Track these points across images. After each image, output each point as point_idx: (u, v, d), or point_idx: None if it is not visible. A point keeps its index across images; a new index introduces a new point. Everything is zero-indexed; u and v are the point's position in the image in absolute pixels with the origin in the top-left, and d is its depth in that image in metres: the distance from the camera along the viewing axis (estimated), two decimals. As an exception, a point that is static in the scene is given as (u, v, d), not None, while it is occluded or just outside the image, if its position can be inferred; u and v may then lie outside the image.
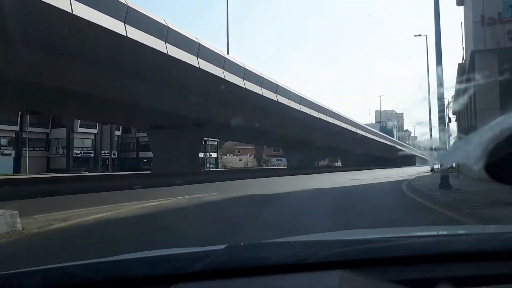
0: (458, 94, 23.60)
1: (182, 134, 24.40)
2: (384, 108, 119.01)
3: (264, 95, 22.51)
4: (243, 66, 20.49)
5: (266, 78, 22.87)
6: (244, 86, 20.37)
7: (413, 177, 23.85)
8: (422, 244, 1.18)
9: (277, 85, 24.13)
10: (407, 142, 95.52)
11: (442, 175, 11.25)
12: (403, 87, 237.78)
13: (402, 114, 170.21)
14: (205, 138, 56.92)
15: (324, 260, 1.04)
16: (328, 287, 0.98)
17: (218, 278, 1.01)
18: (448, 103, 42.48)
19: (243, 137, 37.13)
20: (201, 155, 56.65)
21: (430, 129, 31.25)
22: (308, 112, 29.09)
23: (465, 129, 15.18)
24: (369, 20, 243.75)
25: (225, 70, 18.74)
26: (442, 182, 11.15)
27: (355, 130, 42.35)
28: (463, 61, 21.40)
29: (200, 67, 16.98)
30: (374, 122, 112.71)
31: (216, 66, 18.25)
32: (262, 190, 14.53)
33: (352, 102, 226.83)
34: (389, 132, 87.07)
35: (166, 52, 14.86)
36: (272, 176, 25.57)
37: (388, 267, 1.06)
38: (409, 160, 79.45)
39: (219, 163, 66.60)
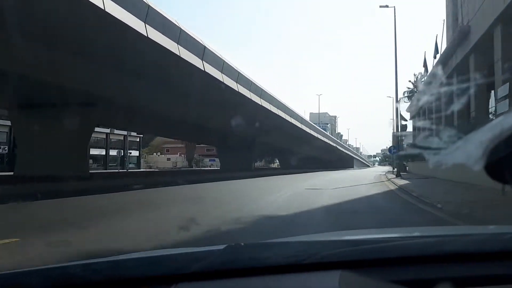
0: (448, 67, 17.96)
1: (62, 117, 16.24)
2: (318, 110, 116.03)
3: (190, 61, 14.97)
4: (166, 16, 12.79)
5: (188, 33, 15.32)
6: (159, 42, 12.60)
7: (387, 183, 17.91)
8: (422, 244, 1.18)
9: (204, 47, 16.58)
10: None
11: None
12: (341, 87, 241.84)
13: (335, 117, 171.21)
14: (124, 133, 48.23)
15: (324, 260, 1.02)
16: (328, 287, 0.97)
17: (218, 278, 1.00)
18: (399, 99, 38.30)
19: (163, 129, 29.28)
20: (115, 152, 47.64)
21: (396, 126, 26.49)
22: (249, 96, 22.13)
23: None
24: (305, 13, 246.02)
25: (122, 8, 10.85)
26: None
27: (299, 125, 36.24)
28: (465, 24, 15.69)
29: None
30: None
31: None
32: (155, 220, 6.97)
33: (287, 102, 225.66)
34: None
35: None
36: (198, 182, 18.09)
37: (388, 267, 1.04)
38: (347, 163, 77.24)
39: (142, 163, 57.55)
